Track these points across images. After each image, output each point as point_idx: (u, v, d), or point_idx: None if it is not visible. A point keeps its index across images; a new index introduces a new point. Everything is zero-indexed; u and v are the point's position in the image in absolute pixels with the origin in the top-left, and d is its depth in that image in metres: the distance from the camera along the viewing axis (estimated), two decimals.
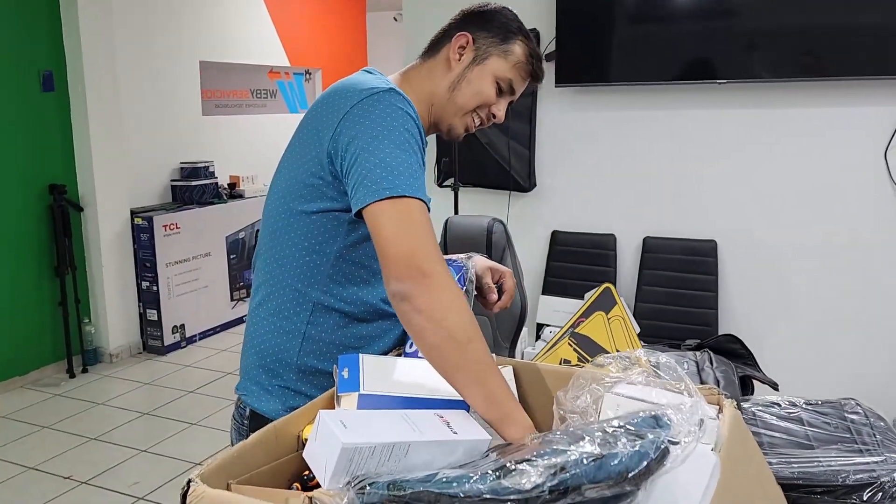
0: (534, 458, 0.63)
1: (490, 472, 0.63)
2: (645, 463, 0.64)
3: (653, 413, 0.70)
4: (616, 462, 0.63)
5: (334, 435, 0.77)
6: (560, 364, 1.29)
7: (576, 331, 1.31)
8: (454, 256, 1.29)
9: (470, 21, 1.29)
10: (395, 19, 7.56)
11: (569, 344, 1.30)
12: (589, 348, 1.29)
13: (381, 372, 0.98)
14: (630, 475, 0.63)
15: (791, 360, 2.95)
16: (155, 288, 4.55)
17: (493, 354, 1.17)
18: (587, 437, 0.65)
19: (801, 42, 2.75)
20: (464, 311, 0.96)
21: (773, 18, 2.75)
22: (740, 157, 2.95)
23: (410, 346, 1.16)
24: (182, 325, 4.70)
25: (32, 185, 4.06)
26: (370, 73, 1.22)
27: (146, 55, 4.75)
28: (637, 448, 0.64)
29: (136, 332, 4.61)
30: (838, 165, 2.81)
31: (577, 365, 1.31)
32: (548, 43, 3.09)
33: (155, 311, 4.57)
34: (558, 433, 0.68)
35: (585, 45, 3.02)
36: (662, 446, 0.66)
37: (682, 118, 3.01)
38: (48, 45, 4.09)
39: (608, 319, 1.30)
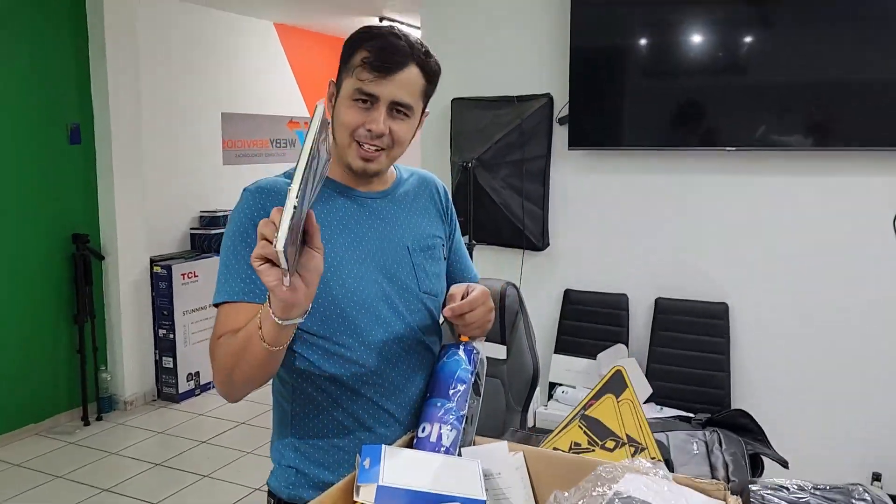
0: None
1: None
2: None
3: None
4: None
5: None
6: (570, 447, 1.31)
7: (586, 413, 1.33)
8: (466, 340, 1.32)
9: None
10: None
11: (579, 426, 1.32)
12: (599, 431, 1.31)
13: (401, 464, 1.01)
14: None
15: (804, 428, 2.94)
16: (171, 336, 4.60)
17: (507, 440, 1.20)
18: None
19: (810, 112, 2.80)
20: (222, 381, 1.18)
21: (779, 91, 2.81)
22: (751, 221, 2.98)
23: (423, 431, 1.19)
24: (197, 373, 4.74)
25: (56, 235, 4.16)
26: (287, 171, 1.29)
27: (170, 108, 4.90)
28: None
29: (151, 380, 4.66)
30: (850, 232, 2.84)
31: (586, 448, 1.33)
32: (561, 107, 3.17)
33: (171, 359, 4.62)
34: None
35: (598, 110, 3.09)
36: None
37: (694, 182, 3.05)
38: (77, 98, 4.23)
39: (618, 403, 1.32)
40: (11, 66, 3.90)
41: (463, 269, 1.48)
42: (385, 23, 5.76)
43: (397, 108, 1.20)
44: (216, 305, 1.21)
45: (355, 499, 1.00)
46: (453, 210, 1.49)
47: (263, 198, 1.23)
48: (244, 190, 1.26)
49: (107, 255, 4.40)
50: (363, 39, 1.19)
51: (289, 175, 1.31)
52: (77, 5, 4.20)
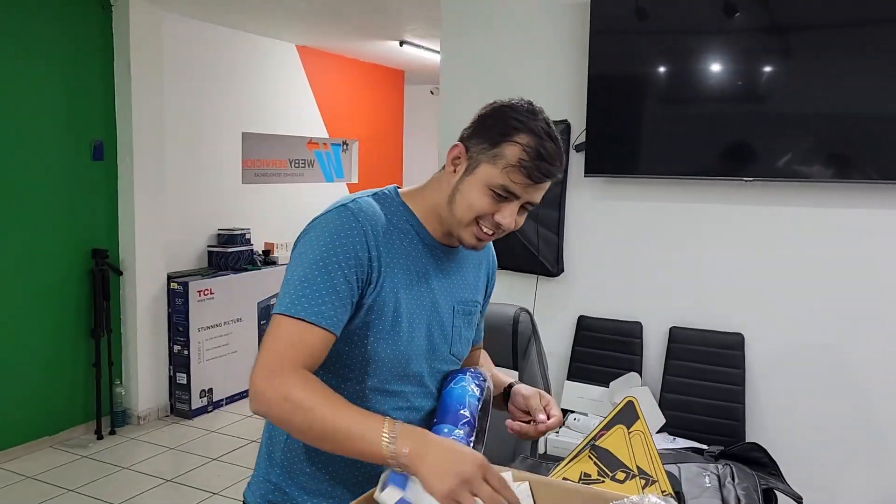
0: None
1: None
2: None
3: None
4: None
5: None
6: (580, 477, 1.31)
7: (596, 443, 1.33)
8: (477, 368, 1.33)
9: (471, 127, 1.23)
10: (432, 93, 7.80)
11: (589, 457, 1.31)
12: (609, 462, 1.30)
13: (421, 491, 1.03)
14: None
15: (819, 463, 2.89)
16: (186, 352, 4.63)
17: (516, 467, 1.20)
18: None
19: (830, 144, 2.79)
20: (277, 406, 1.06)
21: (798, 122, 2.80)
22: (768, 252, 2.96)
23: None
24: (210, 390, 4.76)
25: (76, 250, 4.21)
26: (377, 192, 1.26)
27: (192, 127, 4.97)
28: None
29: (165, 395, 4.68)
30: (869, 266, 2.81)
31: (596, 479, 1.32)
32: (578, 134, 3.18)
33: (184, 375, 4.65)
34: None
35: (614, 138, 3.09)
36: None
37: (711, 211, 3.05)
38: (101, 116, 4.31)
39: (629, 434, 1.32)
40: (38, 82, 3.98)
41: (477, 330, 1.49)
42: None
43: (527, 206, 1.21)
44: (283, 314, 1.11)
45: (377, 495, 1.04)
46: (495, 281, 1.51)
47: (368, 222, 1.17)
48: (342, 206, 1.18)
49: (125, 271, 4.45)
50: (518, 129, 1.16)
51: (379, 197, 1.25)
52: (103, 24, 4.29)
